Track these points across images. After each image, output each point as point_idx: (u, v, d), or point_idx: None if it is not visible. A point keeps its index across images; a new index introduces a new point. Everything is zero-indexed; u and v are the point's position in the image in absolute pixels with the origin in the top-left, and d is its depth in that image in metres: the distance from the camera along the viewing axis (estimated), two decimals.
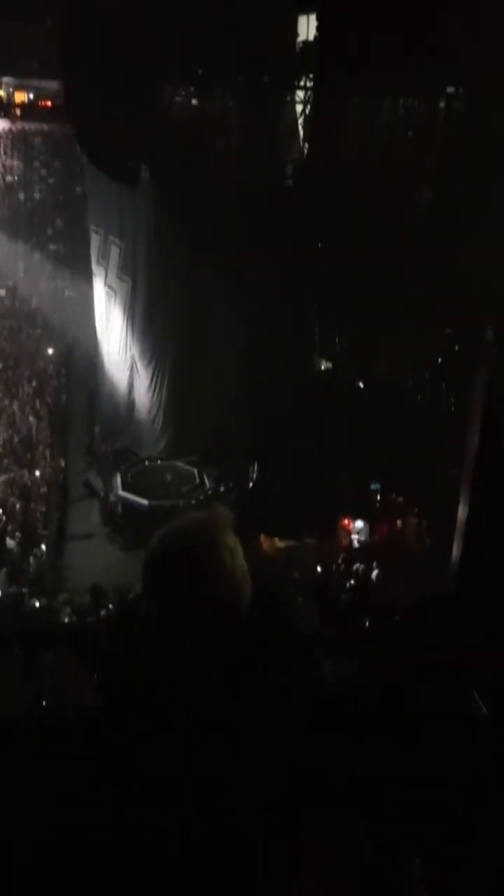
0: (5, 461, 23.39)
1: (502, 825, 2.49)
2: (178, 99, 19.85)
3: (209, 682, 1.83)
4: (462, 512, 14.70)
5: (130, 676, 1.96)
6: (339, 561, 18.58)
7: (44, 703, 7.83)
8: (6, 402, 26.89)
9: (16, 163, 36.34)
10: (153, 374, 22.85)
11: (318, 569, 18.00)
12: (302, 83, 19.85)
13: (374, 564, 17.87)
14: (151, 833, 1.76)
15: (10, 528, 20.13)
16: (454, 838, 2.38)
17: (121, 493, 21.74)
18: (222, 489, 21.76)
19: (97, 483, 23.07)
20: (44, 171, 36.12)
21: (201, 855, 1.75)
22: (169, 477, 22.27)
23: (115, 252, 23.22)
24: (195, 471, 22.45)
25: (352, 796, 2.07)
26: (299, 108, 20.11)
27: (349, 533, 20.06)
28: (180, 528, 1.97)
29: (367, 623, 10.67)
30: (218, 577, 1.86)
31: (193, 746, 1.80)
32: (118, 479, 22.24)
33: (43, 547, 19.66)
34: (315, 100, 19.65)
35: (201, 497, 21.20)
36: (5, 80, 33.35)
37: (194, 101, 19.91)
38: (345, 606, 12.98)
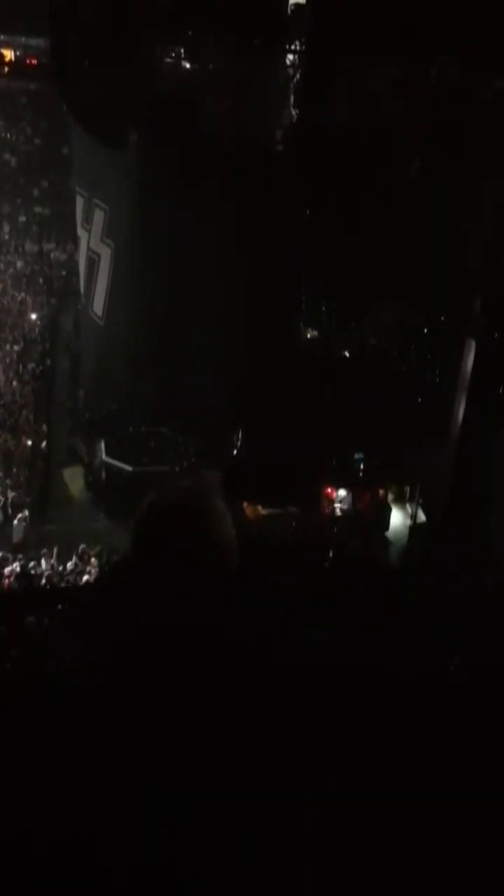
0: None
1: (481, 791, 2.55)
2: (167, 60, 19.52)
3: (196, 650, 1.85)
4: (445, 481, 14.82)
5: (117, 642, 1.97)
6: (322, 528, 18.70)
7: (28, 667, 7.87)
8: None
9: (1, 122, 35.74)
10: (136, 339, 22.66)
11: (301, 536, 18.11)
12: (293, 46, 19.57)
13: (357, 532, 18.02)
14: (144, 800, 1.77)
15: None
16: (431, 805, 2.43)
17: (105, 458, 21.68)
18: (206, 456, 21.73)
19: (81, 448, 23.00)
20: (30, 131, 35.55)
21: (195, 822, 1.77)
22: (153, 443, 22.21)
23: (99, 215, 22.92)
24: (179, 437, 22.40)
25: (333, 763, 2.10)
26: (291, 71, 19.83)
27: (332, 501, 20.17)
28: (171, 493, 1.98)
29: (348, 589, 10.77)
30: (207, 543, 1.88)
31: (182, 713, 1.82)
32: (102, 444, 22.18)
33: (27, 511, 19.66)
34: (306, 63, 19.38)
35: (185, 464, 21.18)
36: None
37: (184, 63, 19.58)
38: (327, 573, 13.09)
